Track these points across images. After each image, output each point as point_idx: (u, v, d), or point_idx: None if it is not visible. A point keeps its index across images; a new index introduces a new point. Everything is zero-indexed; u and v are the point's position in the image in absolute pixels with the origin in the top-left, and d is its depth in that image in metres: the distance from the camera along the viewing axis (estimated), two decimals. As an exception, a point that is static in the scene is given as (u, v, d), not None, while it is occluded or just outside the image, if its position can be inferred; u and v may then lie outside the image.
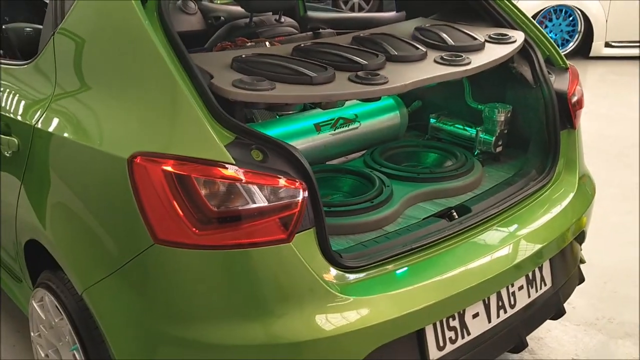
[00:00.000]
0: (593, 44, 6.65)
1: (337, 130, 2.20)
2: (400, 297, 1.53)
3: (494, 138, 2.21)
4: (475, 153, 2.26)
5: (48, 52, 1.79)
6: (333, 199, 1.97)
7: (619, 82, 6.05)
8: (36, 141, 1.75)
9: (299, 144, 2.04)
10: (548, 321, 2.05)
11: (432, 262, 1.63)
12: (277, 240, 1.39)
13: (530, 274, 1.84)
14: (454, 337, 1.65)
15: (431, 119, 2.43)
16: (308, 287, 1.44)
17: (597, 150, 4.05)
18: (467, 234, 1.73)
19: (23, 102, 1.88)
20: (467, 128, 2.31)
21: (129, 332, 1.54)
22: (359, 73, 1.70)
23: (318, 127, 2.17)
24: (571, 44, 6.75)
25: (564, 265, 1.98)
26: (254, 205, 1.37)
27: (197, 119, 1.41)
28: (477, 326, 1.70)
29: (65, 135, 1.65)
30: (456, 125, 2.36)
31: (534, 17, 6.34)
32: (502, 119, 2.19)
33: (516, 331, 1.81)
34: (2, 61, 2.09)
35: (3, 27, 2.52)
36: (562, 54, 2.20)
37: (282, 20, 2.82)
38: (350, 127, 2.24)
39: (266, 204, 1.38)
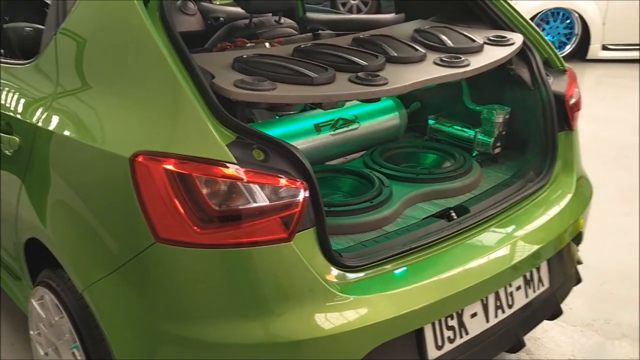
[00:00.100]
0: (590, 46, 6.68)
1: (337, 131, 2.21)
2: (400, 296, 1.54)
3: (492, 139, 2.22)
4: (474, 154, 2.27)
5: (50, 51, 1.79)
6: (333, 199, 1.98)
7: (615, 84, 6.08)
8: (38, 140, 1.76)
9: (299, 144, 2.05)
10: (545, 321, 2.07)
11: (431, 262, 1.64)
12: (277, 240, 1.40)
13: (528, 275, 1.85)
14: (452, 337, 1.66)
15: (430, 120, 2.44)
16: (308, 286, 1.45)
17: (594, 152, 4.07)
18: (465, 235, 1.74)
19: (24, 101, 1.89)
20: (466, 129, 2.33)
21: (129, 331, 1.54)
22: (359, 74, 1.71)
23: (318, 128, 2.18)
24: (568, 46, 6.78)
25: (561, 266, 1.99)
26: (255, 205, 1.38)
27: (198, 118, 1.42)
28: (476, 326, 1.71)
29: (67, 134, 1.65)
30: (455, 127, 2.37)
31: (531, 19, 6.36)
32: (501, 120, 2.21)
33: (514, 331, 1.82)
34: (3, 60, 2.09)
35: (3, 26, 2.52)
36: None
37: (282, 21, 2.83)
38: (350, 127, 2.25)
39: (267, 203, 1.39)
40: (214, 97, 1.45)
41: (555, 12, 6.75)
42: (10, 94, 1.96)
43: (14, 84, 1.98)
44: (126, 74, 1.57)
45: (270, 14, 2.86)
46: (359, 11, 7.68)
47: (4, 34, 2.46)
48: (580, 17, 6.66)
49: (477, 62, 1.93)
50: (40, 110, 1.77)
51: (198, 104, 1.43)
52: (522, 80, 2.13)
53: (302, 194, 1.42)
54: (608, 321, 2.52)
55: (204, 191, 1.37)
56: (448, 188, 2.01)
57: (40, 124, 1.75)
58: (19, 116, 1.87)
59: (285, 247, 1.41)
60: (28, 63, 1.92)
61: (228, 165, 1.38)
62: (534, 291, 1.87)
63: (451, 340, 1.66)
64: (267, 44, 2.33)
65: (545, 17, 6.76)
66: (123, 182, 1.44)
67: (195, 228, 1.38)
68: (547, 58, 2.17)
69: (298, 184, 1.42)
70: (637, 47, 6.61)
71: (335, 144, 2.22)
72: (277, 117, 2.28)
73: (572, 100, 2.10)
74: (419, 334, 1.58)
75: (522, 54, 2.13)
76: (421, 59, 1.92)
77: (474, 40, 2.07)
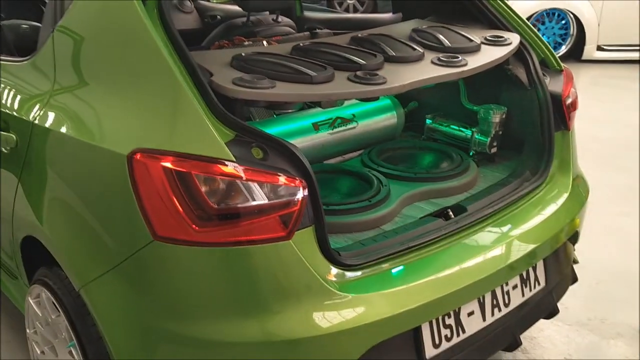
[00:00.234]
0: (585, 47, 6.71)
1: (335, 130, 2.21)
2: (398, 295, 1.54)
3: (489, 139, 2.23)
4: (471, 154, 2.28)
5: (47, 49, 1.78)
6: (331, 198, 1.98)
7: (611, 85, 6.11)
8: (34, 137, 1.75)
9: (298, 143, 2.03)
10: (541, 321, 2.08)
11: (428, 261, 1.65)
12: (276, 238, 1.40)
13: (524, 274, 1.86)
14: (449, 335, 1.66)
15: (427, 120, 2.45)
16: (307, 285, 1.45)
17: (590, 152, 4.09)
18: (462, 234, 1.75)
19: (21, 99, 1.88)
20: (463, 129, 2.33)
21: (126, 329, 1.53)
22: (358, 73, 1.72)
23: (316, 127, 2.18)
24: (563, 47, 6.81)
25: (557, 265, 2.00)
26: (254, 203, 1.38)
27: (197, 116, 1.41)
28: (472, 324, 1.72)
29: (64, 131, 1.65)
30: (452, 126, 2.38)
31: (526, 20, 6.38)
32: (497, 120, 2.21)
33: (510, 330, 1.83)
34: (-1, 57, 2.09)
35: (0, 24, 2.51)
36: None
37: (279, 20, 2.83)
38: (348, 126, 2.25)
39: (266, 201, 1.39)
40: (212, 95, 1.45)
41: (551, 13, 6.78)
42: (7, 91, 1.95)
43: (10, 81, 1.97)
44: (124, 72, 1.57)
45: (268, 13, 2.86)
46: (355, 11, 7.68)
47: (0, 31, 2.45)
48: (576, 17, 6.68)
49: (475, 61, 1.94)
50: (37, 108, 1.77)
51: (197, 102, 1.42)
52: (518, 80, 2.14)
53: (301, 193, 1.42)
54: (604, 320, 2.54)
55: (203, 189, 1.37)
56: (445, 187, 2.01)
57: (37, 121, 1.74)
58: (15, 113, 1.86)
59: (284, 246, 1.41)
60: (25, 60, 1.91)
61: (227, 163, 1.38)
62: (530, 290, 1.88)
63: (448, 339, 1.66)
64: (264, 43, 2.33)
65: (541, 18, 6.79)
66: (121, 179, 1.43)
67: (193, 226, 1.38)
68: (544, 58, 2.18)
69: (297, 182, 1.42)
70: (632, 47, 6.64)
71: (333, 143, 2.22)
72: (275, 116, 2.28)
73: (569, 100, 2.10)
74: (417, 332, 1.59)
75: (519, 54, 2.13)
76: (419, 58, 1.93)
77: (471, 40, 2.07)
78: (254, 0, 2.39)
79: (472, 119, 2.30)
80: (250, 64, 1.69)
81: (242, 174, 1.38)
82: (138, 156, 1.41)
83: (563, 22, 6.78)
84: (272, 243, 1.40)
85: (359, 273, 1.54)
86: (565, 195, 2.01)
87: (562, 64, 2.19)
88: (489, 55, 2.01)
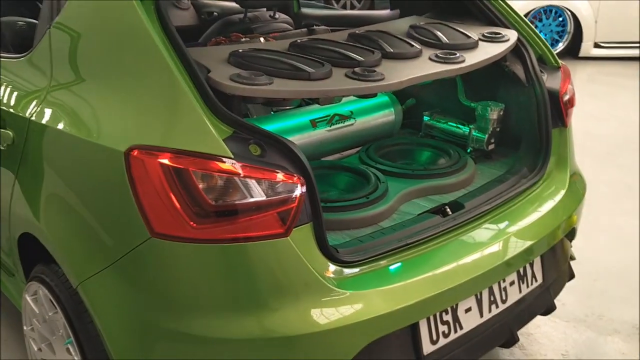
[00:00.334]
0: (582, 44, 6.71)
1: (332, 127, 2.21)
2: (395, 291, 1.54)
3: (486, 136, 2.23)
4: (468, 150, 2.28)
5: (44, 45, 1.78)
6: (329, 195, 1.98)
7: (608, 82, 6.12)
8: (31, 134, 1.75)
9: (295, 140, 2.03)
10: (538, 317, 2.08)
11: (426, 258, 1.65)
12: (274, 235, 1.40)
13: (521, 270, 1.86)
14: (447, 331, 1.67)
15: (425, 117, 2.45)
16: (305, 282, 1.45)
17: (587, 149, 4.09)
18: (460, 230, 1.75)
19: (18, 95, 1.87)
20: (460, 126, 2.33)
21: (123, 326, 1.53)
22: (356, 69, 1.71)
23: (314, 123, 2.18)
24: (561, 44, 6.81)
25: (554, 261, 2.00)
26: (251, 200, 1.38)
27: (195, 112, 1.41)
28: (470, 320, 1.72)
29: (61, 128, 1.64)
30: (449, 123, 2.38)
31: (524, 17, 6.39)
32: (495, 117, 2.22)
33: (507, 326, 1.84)
34: (-5, 54, 2.08)
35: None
36: (554, 53, 2.23)
37: (277, 16, 2.83)
38: (346, 123, 2.25)
39: (264, 198, 1.38)
40: (210, 92, 1.45)
41: (548, 10, 6.78)
42: (3, 88, 1.95)
43: (6, 78, 1.96)
44: (121, 68, 1.56)
45: (265, 9, 2.86)
46: (352, 8, 7.67)
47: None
48: (573, 15, 6.69)
49: (473, 58, 1.94)
50: (33, 104, 1.76)
51: (194, 98, 1.42)
52: (516, 76, 2.14)
53: (299, 189, 1.42)
54: (601, 317, 2.54)
55: (200, 186, 1.37)
56: (443, 184, 2.02)
57: (33, 117, 1.74)
58: (12, 110, 1.85)
59: (282, 243, 1.41)
60: (21, 57, 1.91)
61: (224, 159, 1.38)
62: (528, 286, 1.88)
63: (446, 335, 1.66)
64: (261, 39, 2.33)
65: (538, 15, 6.79)
66: (118, 176, 1.43)
67: (191, 223, 1.37)
68: (541, 55, 2.18)
69: (295, 179, 1.42)
70: (630, 45, 6.65)
71: (331, 139, 2.22)
72: (272, 113, 2.28)
73: (566, 97, 2.11)
74: (414, 328, 1.59)
75: (517, 50, 2.13)
76: (417, 55, 1.92)
77: (469, 37, 2.07)
78: None
79: (469, 115, 2.30)
80: (248, 61, 1.69)
81: (240, 171, 1.38)
82: (135, 153, 1.41)
83: (560, 19, 6.79)
84: (270, 240, 1.40)
85: (356, 270, 1.54)
86: (563, 192, 2.02)
87: (559, 61, 2.20)
88: (486, 52, 2.01)
